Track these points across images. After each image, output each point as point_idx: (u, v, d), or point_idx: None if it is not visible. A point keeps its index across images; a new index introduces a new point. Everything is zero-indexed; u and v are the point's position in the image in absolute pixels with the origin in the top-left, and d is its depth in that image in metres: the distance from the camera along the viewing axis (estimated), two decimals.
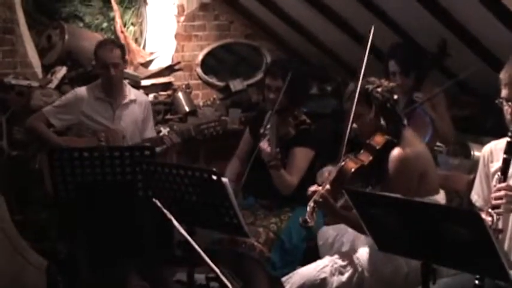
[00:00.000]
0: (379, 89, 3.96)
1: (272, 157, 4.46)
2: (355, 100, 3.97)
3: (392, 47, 5.58)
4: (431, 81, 5.52)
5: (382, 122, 3.93)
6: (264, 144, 4.49)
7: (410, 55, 5.46)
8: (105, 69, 5.27)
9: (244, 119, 6.92)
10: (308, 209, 3.85)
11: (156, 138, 5.27)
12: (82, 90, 5.47)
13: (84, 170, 4.60)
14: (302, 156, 4.71)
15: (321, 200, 3.83)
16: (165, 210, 3.47)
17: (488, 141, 3.88)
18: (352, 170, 3.86)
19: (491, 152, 3.69)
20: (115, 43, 5.48)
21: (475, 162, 4.70)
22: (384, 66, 5.48)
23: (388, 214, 3.11)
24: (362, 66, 4.26)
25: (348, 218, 3.87)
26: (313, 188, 3.92)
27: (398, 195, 3.29)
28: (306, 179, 4.58)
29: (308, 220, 3.83)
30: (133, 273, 5.10)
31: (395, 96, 4.00)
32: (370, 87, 3.97)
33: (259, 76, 7.56)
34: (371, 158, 3.89)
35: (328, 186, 3.88)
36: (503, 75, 3.49)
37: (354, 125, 4.00)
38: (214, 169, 3.74)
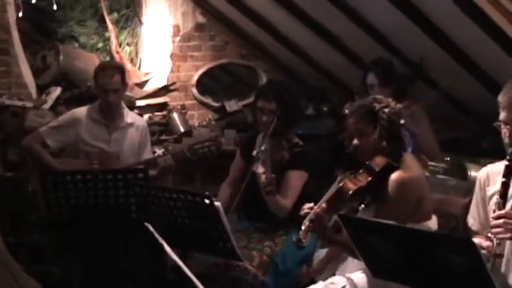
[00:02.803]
0: (386, 110, 3.86)
1: (268, 184, 4.43)
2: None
3: (371, 62, 5.70)
4: (413, 98, 5.57)
5: (384, 143, 3.87)
6: (259, 169, 4.45)
7: (388, 68, 5.55)
8: (104, 94, 5.24)
9: (239, 139, 6.89)
10: (303, 227, 3.80)
11: (150, 161, 5.24)
12: (79, 112, 5.43)
13: (78, 192, 4.58)
14: (296, 179, 4.66)
15: (316, 219, 3.79)
16: (156, 235, 3.44)
17: (485, 162, 3.85)
18: (351, 192, 3.80)
19: (488, 175, 3.66)
20: (116, 68, 5.38)
21: (472, 184, 4.67)
22: (363, 81, 5.56)
23: (382, 241, 3.09)
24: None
25: (339, 241, 3.84)
26: (307, 206, 3.88)
27: (392, 222, 3.27)
28: (300, 202, 4.55)
29: (302, 239, 3.79)
30: None
31: (402, 121, 3.94)
32: (377, 106, 3.87)
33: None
34: (369, 179, 3.83)
35: (324, 205, 3.84)
36: (501, 98, 3.45)
37: (355, 141, 3.92)
38: (206, 193, 3.72)
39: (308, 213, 3.83)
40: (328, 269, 4.19)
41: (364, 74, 5.57)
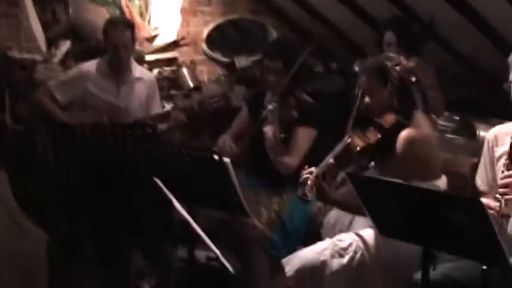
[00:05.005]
0: (398, 68, 3.85)
1: (274, 144, 4.44)
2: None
3: (388, 20, 5.79)
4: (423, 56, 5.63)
5: (395, 101, 3.86)
6: (268, 130, 4.45)
7: (407, 27, 5.68)
8: (115, 49, 5.22)
9: (248, 96, 6.88)
10: (309, 182, 3.78)
11: (160, 115, 5.24)
12: (88, 66, 5.43)
13: (86, 146, 4.59)
14: (304, 136, 4.67)
15: (322, 174, 3.79)
16: (165, 190, 3.46)
17: (494, 122, 3.84)
18: (358, 148, 3.81)
19: (496, 136, 3.66)
20: (126, 23, 5.38)
21: (480, 143, 4.66)
22: (378, 38, 5.69)
23: (389, 199, 3.10)
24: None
25: (342, 201, 3.86)
26: (307, 170, 3.82)
27: (399, 181, 3.27)
28: (308, 160, 4.56)
29: (307, 193, 3.79)
30: (135, 251, 5.10)
31: (414, 79, 3.92)
32: (389, 64, 3.86)
33: None
34: (378, 136, 3.82)
35: (331, 161, 3.84)
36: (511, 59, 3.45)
37: (366, 99, 3.92)
38: (215, 149, 3.72)
39: (307, 178, 3.81)
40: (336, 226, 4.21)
41: (381, 32, 5.61)
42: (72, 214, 5.04)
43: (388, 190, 3.12)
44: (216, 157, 3.66)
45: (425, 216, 2.97)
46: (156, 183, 3.55)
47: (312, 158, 4.55)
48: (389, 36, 5.50)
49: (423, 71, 5.24)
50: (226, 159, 3.67)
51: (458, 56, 6.47)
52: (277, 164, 4.58)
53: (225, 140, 4.80)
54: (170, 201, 3.53)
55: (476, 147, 5.38)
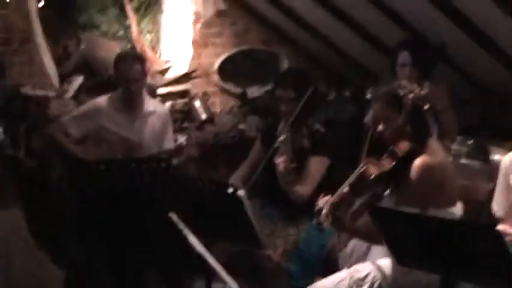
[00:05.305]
0: (411, 96, 3.85)
1: (285, 174, 4.46)
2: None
3: (403, 41, 5.75)
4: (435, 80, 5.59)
5: (409, 129, 3.86)
6: (278, 159, 4.46)
7: (423, 48, 5.64)
8: (126, 84, 5.24)
9: (261, 126, 6.89)
10: (324, 210, 3.79)
11: (174, 150, 5.25)
12: (101, 101, 5.44)
13: (101, 181, 4.59)
14: (316, 165, 4.68)
15: (337, 203, 3.79)
16: (180, 226, 3.45)
17: (509, 145, 3.83)
18: (373, 176, 3.80)
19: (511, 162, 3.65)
20: (136, 57, 5.42)
21: (495, 167, 4.66)
22: (392, 59, 5.59)
23: (406, 229, 3.09)
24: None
25: (354, 230, 3.85)
26: (322, 200, 3.85)
27: (416, 210, 3.26)
28: (323, 188, 4.55)
29: (322, 222, 3.78)
30: (153, 282, 5.09)
31: (427, 106, 3.92)
32: (401, 92, 3.87)
33: None
34: (393, 164, 3.82)
35: (346, 189, 3.84)
36: None
37: (380, 127, 3.92)
38: (230, 182, 3.72)
39: (323, 207, 3.81)
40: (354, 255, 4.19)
41: (394, 57, 5.58)
42: (88, 247, 5.04)
43: (404, 220, 3.12)
44: (230, 190, 3.67)
45: (442, 244, 2.97)
46: (172, 219, 3.55)
47: (326, 186, 4.57)
48: (403, 56, 5.46)
49: (436, 94, 5.25)
50: (241, 192, 3.67)
51: (468, 78, 6.47)
52: (290, 194, 4.58)
53: (234, 181, 4.81)
54: (186, 237, 3.52)
55: (491, 171, 5.37)
